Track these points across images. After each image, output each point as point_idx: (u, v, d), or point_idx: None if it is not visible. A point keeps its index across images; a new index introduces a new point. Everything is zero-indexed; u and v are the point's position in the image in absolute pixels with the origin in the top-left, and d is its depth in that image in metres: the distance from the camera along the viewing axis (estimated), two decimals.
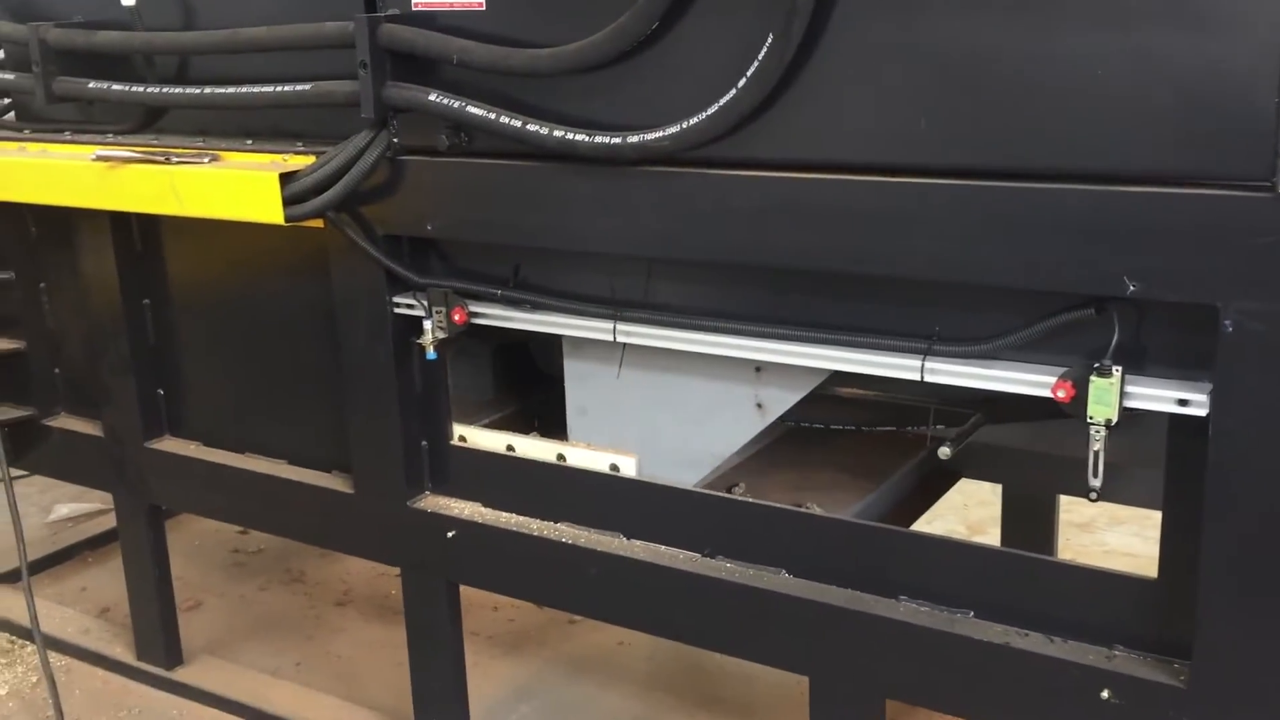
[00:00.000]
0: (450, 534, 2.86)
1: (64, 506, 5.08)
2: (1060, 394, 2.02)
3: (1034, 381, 2.08)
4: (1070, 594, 2.18)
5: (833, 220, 2.14)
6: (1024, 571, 2.25)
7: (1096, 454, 2.01)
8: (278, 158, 2.84)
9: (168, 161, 2.89)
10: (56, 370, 3.72)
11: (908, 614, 2.31)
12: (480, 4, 2.47)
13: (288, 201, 2.70)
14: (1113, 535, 4.54)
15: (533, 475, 2.81)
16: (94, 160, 2.97)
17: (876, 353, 2.24)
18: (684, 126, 2.21)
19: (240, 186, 2.76)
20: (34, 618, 3.44)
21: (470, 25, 2.49)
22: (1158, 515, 4.54)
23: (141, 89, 3.03)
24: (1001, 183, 1.98)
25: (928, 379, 2.17)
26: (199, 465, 3.35)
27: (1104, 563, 4.34)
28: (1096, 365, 1.99)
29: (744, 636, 2.51)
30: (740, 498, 2.65)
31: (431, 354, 2.76)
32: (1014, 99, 1.95)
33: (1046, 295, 2.06)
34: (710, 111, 2.18)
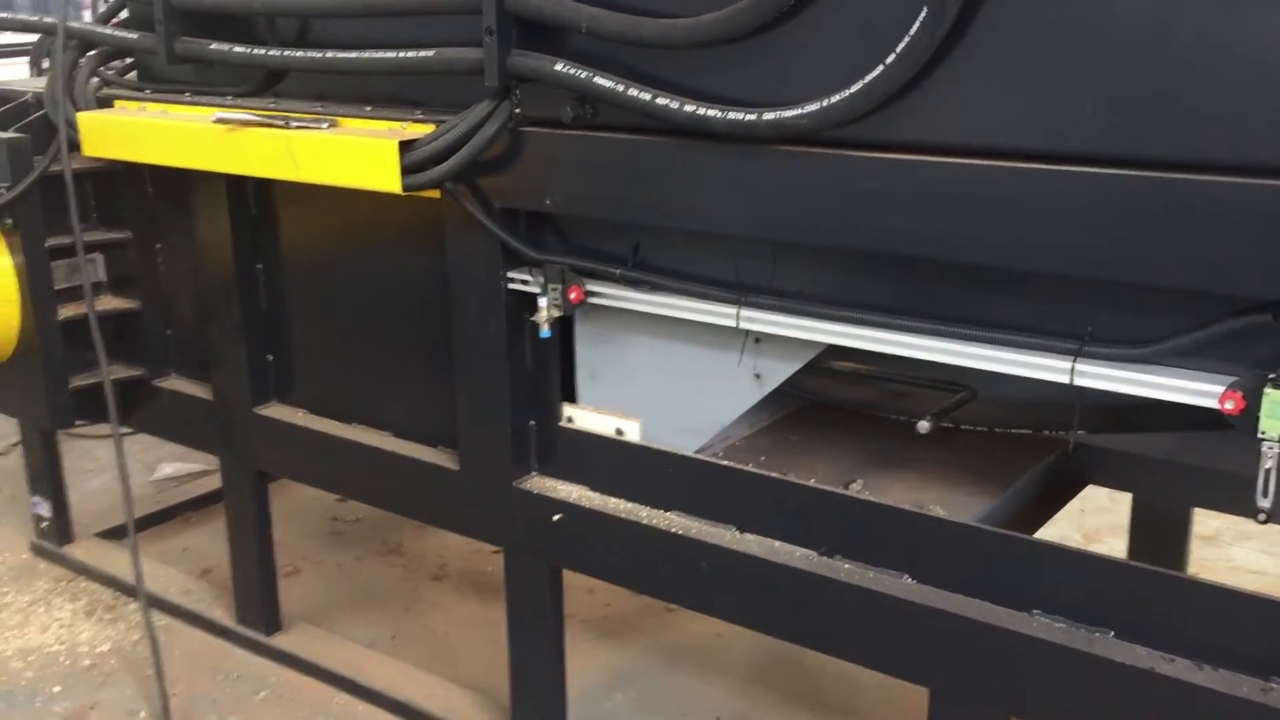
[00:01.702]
0: (556, 517, 2.78)
1: (169, 465, 5.15)
2: (1228, 405, 1.87)
3: (1197, 390, 1.93)
4: (1222, 619, 2.03)
5: (985, 209, 2.00)
6: (1171, 592, 2.09)
7: (1268, 472, 1.85)
8: (396, 125, 2.78)
9: (286, 126, 2.85)
10: (168, 331, 3.73)
11: (1041, 630, 2.17)
12: None
13: (406, 170, 2.64)
14: (1239, 550, 4.31)
15: (642, 461, 2.73)
16: (213, 122, 2.95)
17: (1023, 352, 2.10)
18: (825, 104, 2.09)
19: (358, 154, 2.70)
20: (139, 577, 3.47)
21: None
22: None
23: (262, 51, 2.99)
24: (1176, 174, 1.83)
25: (1078, 382, 2.03)
26: (305, 433, 3.33)
27: (1230, 579, 4.13)
28: (1272, 375, 1.83)
29: (861, 642, 2.40)
30: (861, 496, 2.53)
31: (546, 332, 2.68)
32: (1196, 83, 1.79)
33: (1215, 297, 1.90)
34: (854, 89, 2.05)
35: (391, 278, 3.10)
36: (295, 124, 2.85)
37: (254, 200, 3.32)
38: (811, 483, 2.59)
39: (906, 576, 2.36)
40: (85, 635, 3.82)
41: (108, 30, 3.42)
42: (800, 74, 2.18)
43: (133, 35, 3.32)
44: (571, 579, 3.06)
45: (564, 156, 2.54)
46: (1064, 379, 2.05)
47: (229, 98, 3.19)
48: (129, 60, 3.67)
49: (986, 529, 2.33)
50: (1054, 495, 2.98)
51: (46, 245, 3.50)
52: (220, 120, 2.93)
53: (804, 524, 2.50)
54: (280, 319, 3.40)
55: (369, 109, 2.89)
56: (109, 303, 3.72)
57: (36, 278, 3.48)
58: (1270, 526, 4.16)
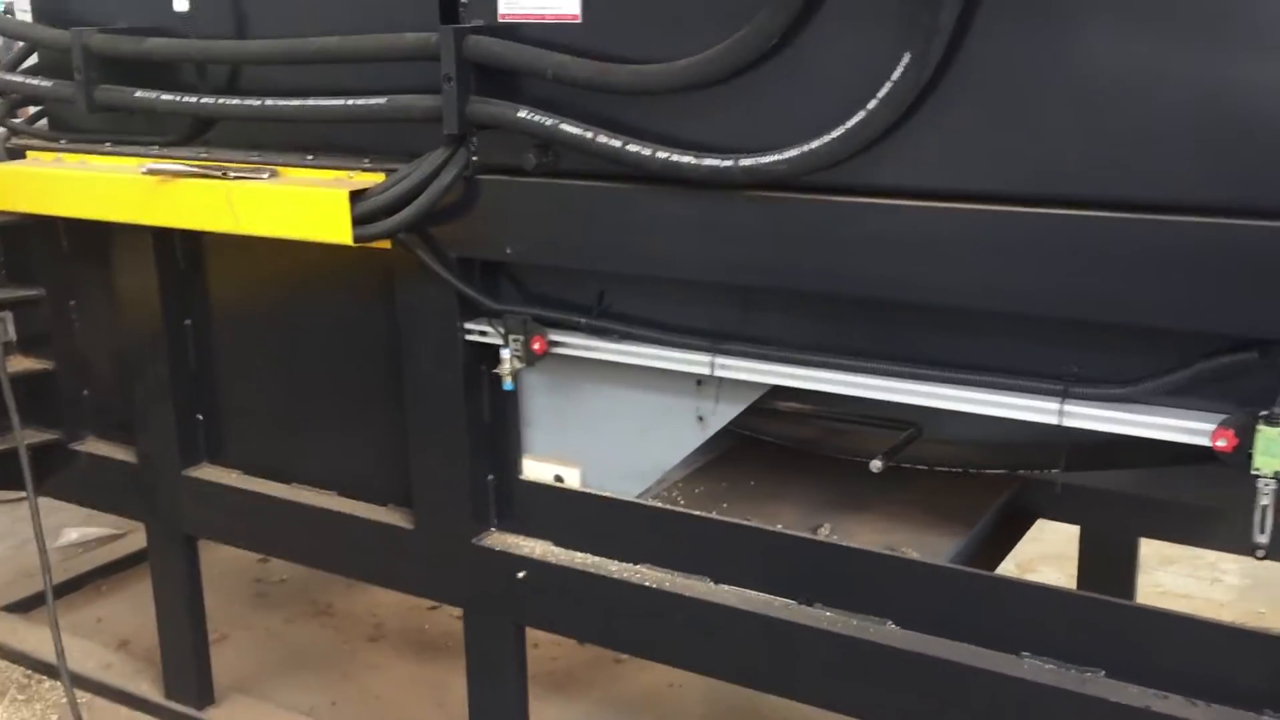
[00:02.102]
0: (520, 574, 2.70)
1: (73, 531, 4.89)
2: (1220, 443, 1.89)
3: (1187, 429, 1.95)
4: (1213, 654, 2.04)
5: (965, 252, 2.01)
6: (1161, 629, 2.10)
7: (1265, 509, 1.87)
8: (342, 174, 2.69)
9: (225, 176, 2.73)
10: (85, 392, 3.54)
11: (1032, 672, 2.16)
12: (575, 16, 2.33)
13: (356, 221, 2.55)
14: (1165, 575, 4.41)
15: (607, 513, 2.66)
16: (144, 174, 2.81)
17: (1008, 394, 2.10)
18: (804, 150, 2.07)
19: (305, 205, 2.60)
20: (60, 653, 3.27)
21: (556, 38, 2.36)
22: (1210, 555, 4.42)
23: (195, 99, 2.87)
24: (1160, 216, 1.85)
25: (1066, 423, 2.03)
26: (241, 495, 3.18)
27: (1160, 604, 4.22)
28: (1264, 413, 1.85)
29: (847, 691, 2.36)
30: (839, 542, 2.50)
31: (508, 384, 2.60)
32: (1178, 126, 1.82)
33: (1201, 336, 1.93)
34: (835, 134, 2.04)
35: (332, 330, 2.99)
36: (234, 174, 2.74)
37: (181, 253, 3.18)
38: (779, 528, 2.55)
39: (890, 622, 2.34)
40: None
41: (18, 78, 3.24)
42: (772, 119, 2.16)
43: (47, 83, 3.15)
44: None
45: (525, 205, 2.48)
46: (1051, 420, 2.05)
47: (155, 147, 3.05)
48: (35, 109, 3.51)
49: (970, 571, 2.33)
50: (1009, 531, 3.00)
51: None
52: (152, 171, 2.80)
53: (780, 572, 2.47)
54: (210, 376, 3.25)
55: (310, 157, 2.79)
56: (20, 363, 3.51)
57: None
58: (1191, 550, 4.27)
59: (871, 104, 2.00)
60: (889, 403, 2.25)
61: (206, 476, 3.26)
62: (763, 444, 3.15)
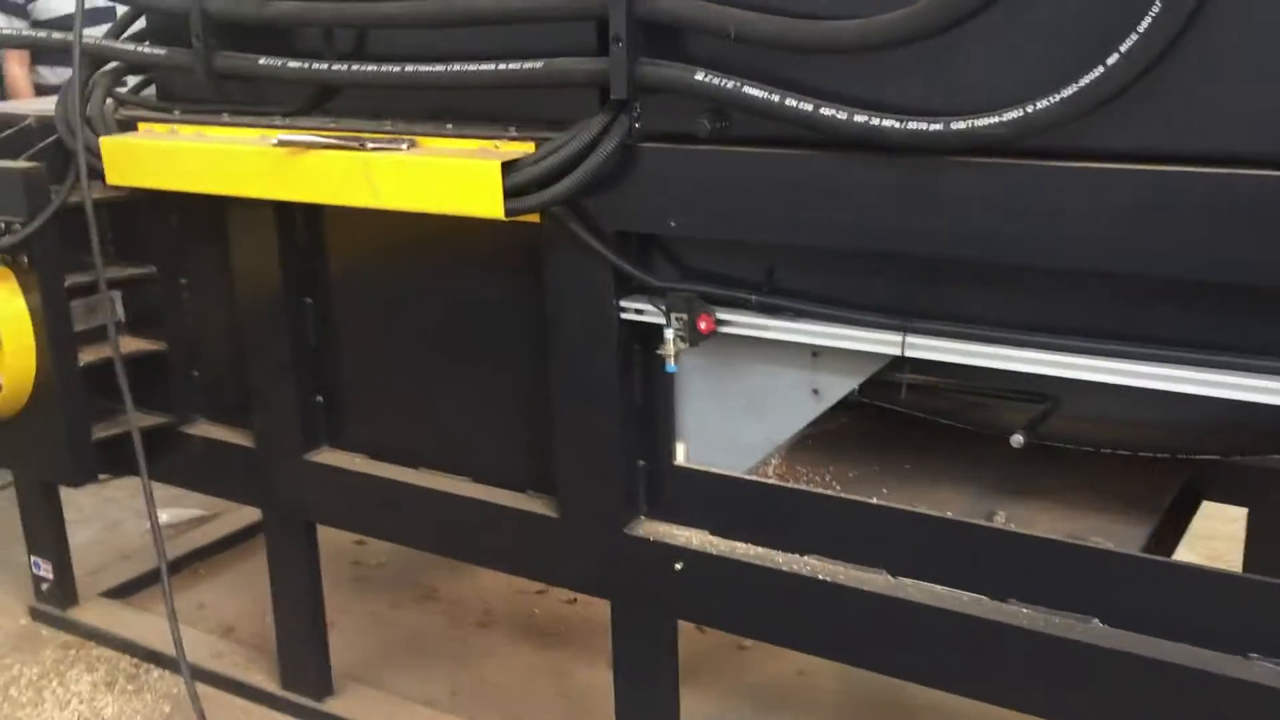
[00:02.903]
0: (678, 565, 2.56)
1: (164, 512, 4.76)
2: None
3: None
4: None
5: (1221, 222, 1.83)
6: None
7: None
8: (486, 143, 2.54)
9: (362, 147, 2.59)
10: (195, 374, 3.42)
11: (1264, 675, 2.00)
12: None
13: (508, 194, 2.41)
14: None
15: (769, 500, 2.52)
16: (275, 145, 2.67)
17: (1247, 375, 1.93)
18: (1029, 110, 1.89)
19: (454, 177, 2.45)
20: (179, 644, 3.16)
21: None
22: None
23: (325, 66, 2.72)
24: None
25: None
26: (368, 481, 3.05)
27: None
28: None
29: (1052, 695, 2.20)
30: (1020, 530, 2.35)
31: (671, 366, 2.45)
32: None
33: None
34: (1067, 93, 1.86)
35: (465, 308, 2.84)
36: (371, 145, 2.59)
37: (303, 228, 3.04)
38: (949, 515, 2.40)
39: (1095, 620, 2.18)
40: (110, 710, 3.48)
41: (129, 46, 3.10)
42: (982, 78, 1.99)
43: (160, 51, 3.01)
44: None
45: (694, 174, 2.31)
46: None
47: (276, 118, 2.91)
48: (138, 78, 3.38)
49: (1185, 564, 2.19)
50: (1181, 516, 2.84)
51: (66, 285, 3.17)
52: (284, 143, 2.65)
53: (964, 564, 2.31)
54: (332, 357, 3.12)
55: (450, 126, 2.64)
56: (130, 344, 3.39)
57: (55, 321, 3.14)
58: None
59: (1112, 59, 1.82)
60: (1021, 374, 2.12)
61: (328, 461, 3.14)
62: (869, 416, 2.97)
